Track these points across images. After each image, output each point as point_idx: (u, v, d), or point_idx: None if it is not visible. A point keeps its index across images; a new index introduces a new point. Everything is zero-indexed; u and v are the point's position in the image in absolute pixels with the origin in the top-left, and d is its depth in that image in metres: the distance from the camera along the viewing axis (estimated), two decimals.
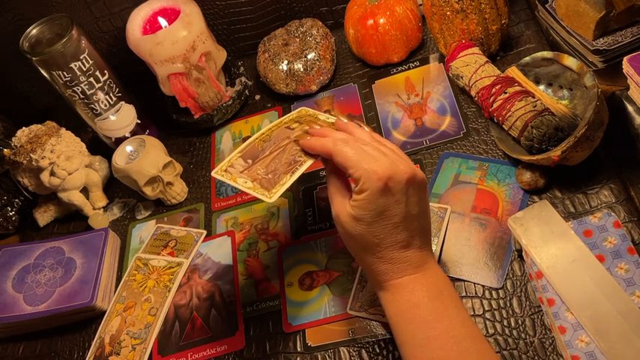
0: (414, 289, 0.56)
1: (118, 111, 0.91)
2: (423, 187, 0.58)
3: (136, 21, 0.88)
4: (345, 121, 0.66)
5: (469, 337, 0.54)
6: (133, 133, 0.94)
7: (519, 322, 0.63)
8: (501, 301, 0.64)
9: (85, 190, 0.91)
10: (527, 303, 0.63)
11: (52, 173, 0.85)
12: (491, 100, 0.74)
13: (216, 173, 0.65)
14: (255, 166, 0.64)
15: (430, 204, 0.73)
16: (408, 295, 0.56)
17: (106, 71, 0.88)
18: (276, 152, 0.65)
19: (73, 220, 0.93)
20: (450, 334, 0.53)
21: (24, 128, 0.86)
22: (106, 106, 0.89)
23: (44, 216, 0.93)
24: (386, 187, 0.54)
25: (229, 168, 0.65)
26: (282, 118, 0.71)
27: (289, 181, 0.62)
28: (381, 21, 0.87)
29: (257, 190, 0.62)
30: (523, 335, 0.62)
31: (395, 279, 0.57)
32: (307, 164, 0.63)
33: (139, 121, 0.94)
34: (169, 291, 0.77)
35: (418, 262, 0.57)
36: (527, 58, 0.76)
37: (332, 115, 0.71)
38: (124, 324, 0.76)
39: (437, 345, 0.53)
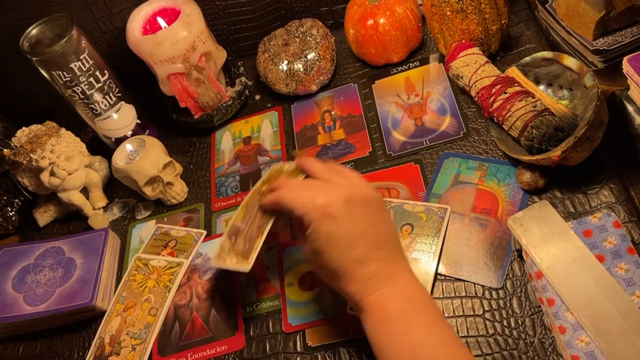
0: (384, 305, 0.57)
1: (118, 111, 0.91)
2: (365, 203, 0.60)
3: (136, 21, 0.88)
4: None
5: (440, 343, 0.54)
6: (133, 133, 0.94)
7: (519, 322, 0.63)
8: (501, 301, 0.64)
9: (85, 190, 0.91)
10: (527, 303, 0.63)
11: (52, 173, 0.85)
12: (491, 100, 0.74)
13: (213, 262, 0.71)
14: (238, 241, 0.70)
15: (430, 204, 0.73)
16: (379, 313, 0.57)
17: (106, 71, 0.88)
18: (250, 221, 0.70)
19: (73, 220, 0.93)
20: (420, 342, 0.54)
21: (24, 128, 0.86)
22: (106, 106, 0.89)
23: (44, 216, 0.93)
24: (325, 214, 0.57)
25: (221, 252, 0.70)
26: (255, 185, 0.75)
27: (259, 244, 0.67)
28: (381, 21, 0.87)
29: (239, 264, 0.67)
30: (523, 335, 0.62)
31: (365, 297, 0.58)
32: (269, 224, 0.67)
33: (139, 121, 0.94)
34: (169, 291, 0.77)
35: (385, 275, 0.58)
36: (527, 58, 0.76)
37: (293, 154, 0.73)
38: (124, 324, 0.76)
39: (406, 357, 0.54)
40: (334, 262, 0.58)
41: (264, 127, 0.94)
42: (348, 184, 0.61)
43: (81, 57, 0.84)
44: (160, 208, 0.89)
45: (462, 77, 0.79)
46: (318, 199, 0.58)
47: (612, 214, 0.61)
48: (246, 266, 0.66)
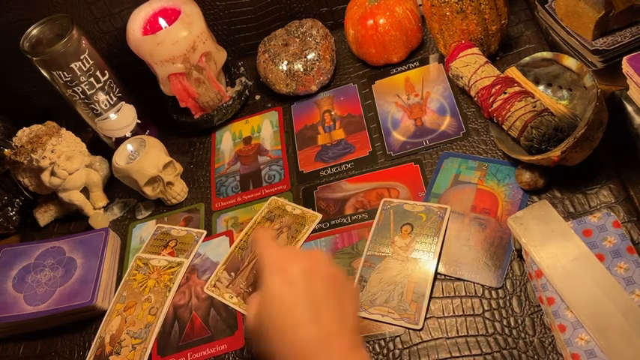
0: None
1: (118, 111, 0.91)
2: (330, 279, 0.54)
3: (136, 21, 0.88)
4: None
5: None
6: (134, 133, 0.94)
7: (519, 321, 0.63)
8: (501, 301, 0.65)
9: (85, 190, 0.91)
10: (527, 302, 0.63)
11: (53, 173, 0.85)
12: (490, 100, 0.74)
13: (207, 289, 0.75)
14: (238, 279, 0.74)
15: (430, 204, 0.74)
16: None
17: (106, 71, 0.88)
18: (254, 262, 0.74)
19: (73, 220, 0.93)
20: None
21: (24, 128, 0.86)
22: (106, 106, 0.90)
23: (44, 216, 0.93)
24: (282, 273, 0.53)
25: (217, 283, 0.75)
26: (255, 217, 0.79)
27: None
28: (381, 21, 0.87)
29: (242, 306, 0.72)
30: (523, 335, 0.62)
31: None
32: None
33: (139, 121, 0.95)
34: (170, 291, 0.77)
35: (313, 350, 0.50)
36: (526, 59, 0.76)
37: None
38: (124, 324, 0.76)
39: None
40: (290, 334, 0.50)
41: (265, 127, 0.94)
42: (310, 258, 0.55)
43: (81, 57, 0.84)
44: (160, 207, 0.90)
45: (461, 77, 0.79)
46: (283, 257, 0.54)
47: (612, 213, 0.62)
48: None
